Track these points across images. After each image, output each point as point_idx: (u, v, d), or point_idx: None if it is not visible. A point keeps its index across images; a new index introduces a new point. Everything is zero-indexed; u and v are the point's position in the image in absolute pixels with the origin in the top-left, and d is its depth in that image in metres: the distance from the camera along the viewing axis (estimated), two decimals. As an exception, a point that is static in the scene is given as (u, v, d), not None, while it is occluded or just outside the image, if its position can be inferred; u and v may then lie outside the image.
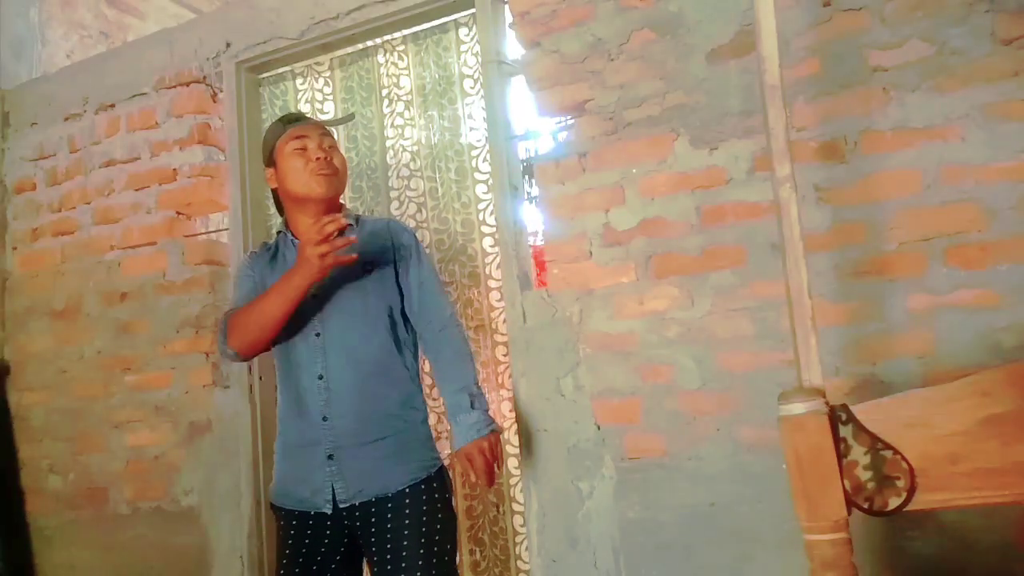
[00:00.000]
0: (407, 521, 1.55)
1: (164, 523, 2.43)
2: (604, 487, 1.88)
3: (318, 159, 1.65)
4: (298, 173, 1.65)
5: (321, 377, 1.60)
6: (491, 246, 2.15)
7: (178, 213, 2.52)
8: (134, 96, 2.63)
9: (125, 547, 2.49)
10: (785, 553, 1.64)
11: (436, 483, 1.62)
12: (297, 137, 1.67)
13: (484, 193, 2.16)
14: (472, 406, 1.64)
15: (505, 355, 2.10)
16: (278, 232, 1.77)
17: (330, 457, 1.57)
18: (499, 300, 2.13)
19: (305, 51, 2.39)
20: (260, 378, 2.38)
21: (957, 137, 1.60)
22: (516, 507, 2.12)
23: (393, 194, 2.28)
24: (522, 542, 2.11)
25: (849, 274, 1.67)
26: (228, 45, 2.48)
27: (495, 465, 1.64)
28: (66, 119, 2.77)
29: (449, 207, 2.21)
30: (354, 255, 1.53)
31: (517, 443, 2.08)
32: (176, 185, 2.53)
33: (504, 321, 2.10)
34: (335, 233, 1.46)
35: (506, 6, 2.09)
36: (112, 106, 2.67)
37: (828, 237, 1.69)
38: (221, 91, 2.51)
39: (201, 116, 2.52)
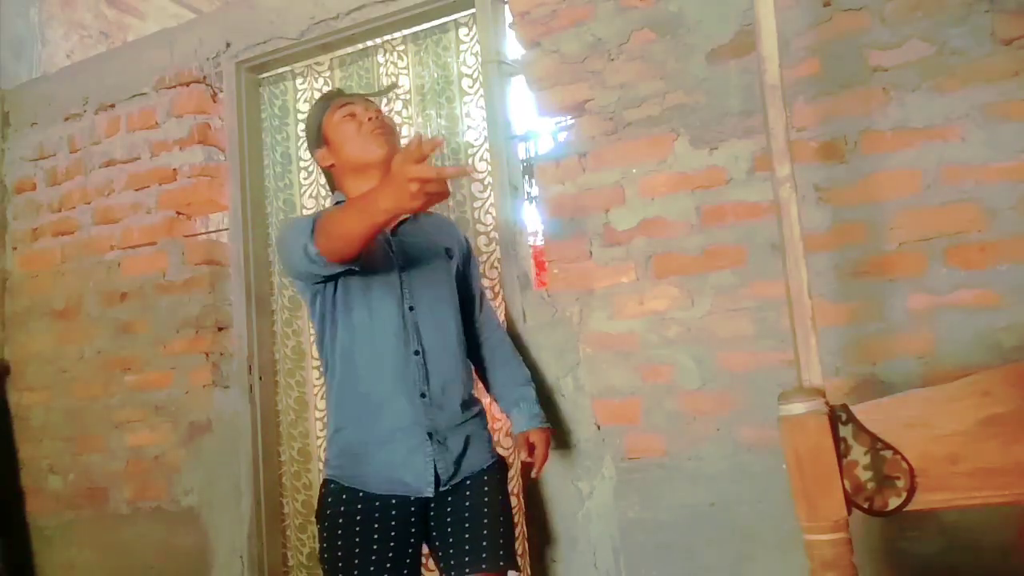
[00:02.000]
0: (486, 498, 1.56)
1: (164, 523, 2.44)
2: (604, 487, 1.88)
3: (370, 119, 1.62)
4: (354, 139, 1.60)
5: (417, 353, 1.55)
6: (486, 245, 2.15)
7: (178, 213, 2.52)
8: (134, 96, 2.63)
9: (125, 547, 2.49)
10: (785, 553, 1.64)
11: (502, 467, 1.67)
12: (343, 106, 1.64)
13: (479, 192, 2.16)
14: (536, 399, 1.75)
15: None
16: (338, 202, 1.64)
17: (430, 436, 1.52)
18: (493, 299, 2.13)
19: (305, 51, 2.39)
20: (260, 378, 2.38)
21: (957, 137, 1.60)
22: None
23: (393, 194, 2.28)
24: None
25: (849, 274, 1.67)
26: (228, 45, 2.48)
27: (547, 455, 1.72)
28: (66, 119, 2.77)
29: (445, 206, 2.21)
30: (448, 191, 1.27)
31: (508, 445, 2.08)
32: (176, 185, 2.53)
33: (501, 322, 2.09)
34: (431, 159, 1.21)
35: (506, 6, 2.09)
36: (112, 106, 2.67)
37: (828, 237, 1.69)
38: (221, 91, 2.51)
39: (201, 116, 2.52)
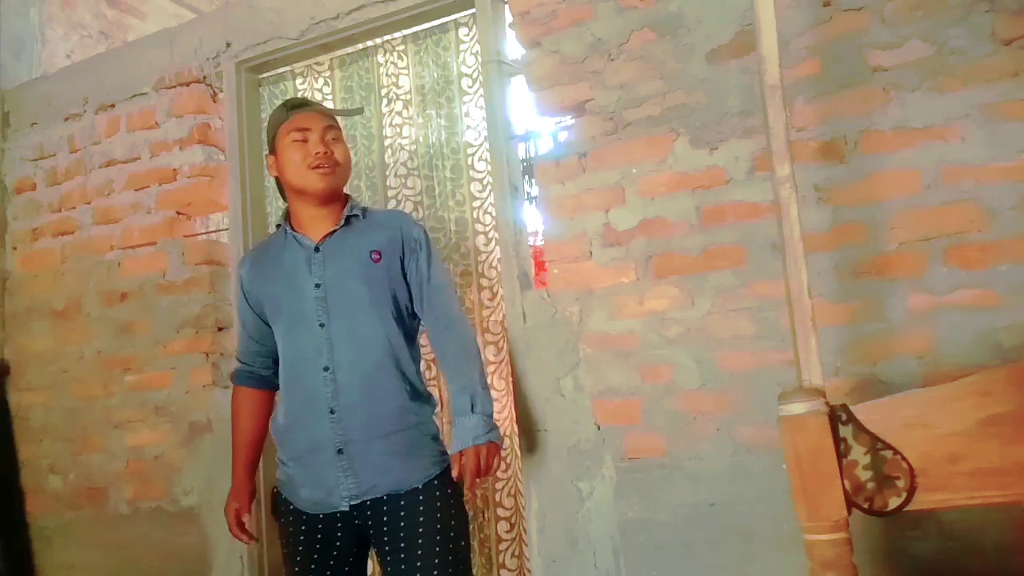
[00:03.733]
0: (422, 519, 1.51)
1: (164, 523, 2.43)
2: (604, 487, 1.88)
3: (318, 153, 1.60)
4: (296, 167, 1.61)
5: (327, 369, 1.55)
6: (484, 244, 2.15)
7: (178, 213, 2.52)
8: (134, 96, 2.63)
9: (125, 547, 2.49)
10: (785, 553, 1.64)
11: (448, 479, 1.58)
12: (299, 129, 1.63)
13: (479, 191, 2.16)
14: (472, 409, 1.59)
15: (496, 355, 2.10)
16: (278, 225, 1.73)
17: (340, 452, 1.53)
18: (491, 299, 2.13)
19: (305, 51, 2.39)
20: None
21: (957, 137, 1.60)
22: (501, 512, 2.11)
23: (391, 192, 2.28)
24: (507, 549, 2.11)
25: (849, 274, 1.67)
26: (228, 45, 2.48)
27: (485, 474, 1.58)
28: (66, 119, 2.77)
29: (445, 205, 2.21)
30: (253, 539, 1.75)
31: (505, 447, 2.09)
32: (176, 185, 2.53)
33: (496, 320, 2.10)
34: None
35: (506, 6, 2.09)
36: (112, 106, 2.67)
37: (828, 237, 1.69)
38: (221, 91, 2.51)
39: (201, 116, 2.52)
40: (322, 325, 1.57)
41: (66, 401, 2.65)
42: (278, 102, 2.47)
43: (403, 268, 1.66)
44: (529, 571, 2.03)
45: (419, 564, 1.48)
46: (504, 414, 2.08)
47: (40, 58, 3.23)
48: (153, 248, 2.55)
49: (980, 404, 0.97)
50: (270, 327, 1.69)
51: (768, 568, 1.69)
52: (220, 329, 2.43)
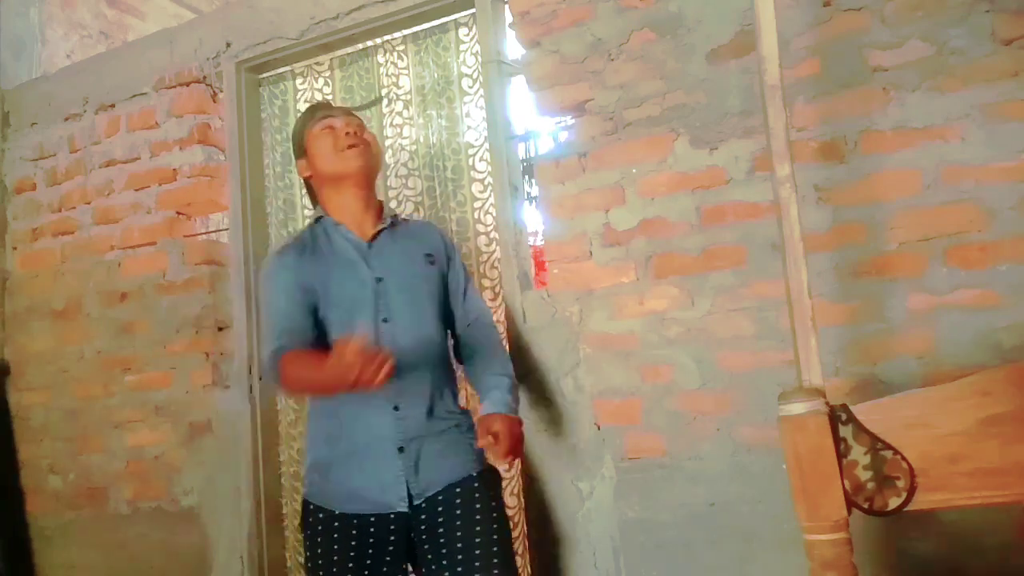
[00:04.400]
0: (480, 506, 1.51)
1: (164, 523, 2.43)
2: (604, 487, 1.88)
3: (348, 134, 1.64)
4: (329, 152, 1.63)
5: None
6: (485, 245, 2.15)
7: (178, 213, 2.52)
8: (134, 96, 2.63)
9: (125, 547, 2.49)
10: (785, 553, 1.64)
11: (494, 476, 1.60)
12: (323, 118, 1.67)
13: (480, 192, 2.16)
14: (509, 390, 1.59)
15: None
16: (316, 219, 1.68)
17: (400, 450, 1.51)
18: (492, 299, 2.13)
19: (305, 51, 2.39)
20: (260, 378, 2.37)
21: (957, 137, 1.60)
22: (505, 511, 2.11)
23: (391, 193, 2.28)
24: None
25: (849, 274, 1.67)
26: (228, 45, 2.48)
27: (517, 447, 1.51)
28: (66, 119, 2.77)
29: (446, 206, 2.21)
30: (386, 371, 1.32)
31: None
32: (176, 185, 2.53)
33: (497, 320, 2.09)
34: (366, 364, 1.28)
35: (506, 6, 2.09)
36: (112, 106, 2.67)
37: (828, 237, 1.69)
38: (221, 91, 2.51)
39: (201, 116, 2.52)
40: (385, 320, 1.56)
41: (66, 401, 2.65)
42: (278, 102, 2.48)
43: (444, 273, 1.71)
44: (530, 571, 2.03)
45: (478, 552, 1.46)
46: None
47: (40, 58, 3.23)
48: (153, 248, 2.55)
49: (980, 404, 0.97)
50: (312, 319, 1.58)
51: (768, 568, 1.69)
52: (220, 329, 2.43)
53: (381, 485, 1.51)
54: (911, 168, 1.64)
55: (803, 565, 1.01)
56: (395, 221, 1.71)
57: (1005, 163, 1.56)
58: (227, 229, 2.50)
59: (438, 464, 1.53)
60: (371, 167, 1.68)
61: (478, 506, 1.51)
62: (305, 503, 1.59)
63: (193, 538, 2.38)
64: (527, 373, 1.98)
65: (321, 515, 1.54)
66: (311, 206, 1.79)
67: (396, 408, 1.52)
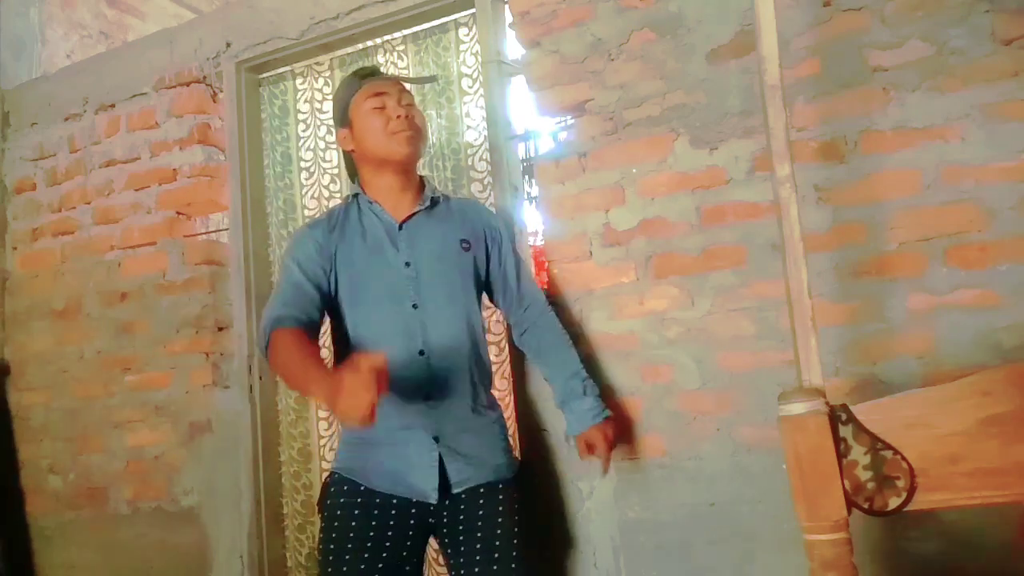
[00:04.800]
0: (501, 510, 1.49)
1: (164, 523, 2.43)
2: (604, 487, 1.88)
3: (399, 117, 1.55)
4: (378, 134, 1.55)
5: (422, 353, 1.48)
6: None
7: (178, 213, 2.52)
8: (134, 96, 2.63)
9: (125, 547, 2.49)
10: (785, 553, 1.64)
11: (519, 482, 1.60)
12: (376, 95, 1.57)
13: (480, 191, 2.16)
14: (585, 392, 1.64)
15: (497, 354, 2.09)
16: (353, 195, 1.63)
17: (436, 440, 1.48)
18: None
19: (305, 51, 2.39)
20: (260, 378, 2.37)
21: (957, 137, 1.60)
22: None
23: (393, 194, 2.28)
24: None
25: (849, 274, 1.67)
26: (228, 45, 2.48)
27: (611, 447, 1.65)
28: (66, 119, 2.77)
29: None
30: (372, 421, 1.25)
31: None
32: (176, 185, 2.53)
33: (497, 320, 2.09)
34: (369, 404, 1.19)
35: (506, 6, 2.09)
36: (112, 106, 2.67)
37: (828, 237, 1.69)
38: (221, 91, 2.51)
39: (201, 116, 2.52)
40: (415, 306, 1.51)
41: (66, 401, 2.65)
42: (278, 102, 2.47)
43: (484, 259, 1.64)
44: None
45: (497, 555, 1.45)
46: (507, 414, 2.07)
47: (40, 58, 3.23)
48: (153, 248, 2.55)
49: (980, 404, 0.97)
50: (322, 300, 1.53)
51: (768, 568, 1.69)
52: (220, 329, 2.43)
53: (417, 472, 1.48)
54: (911, 168, 1.64)
55: (803, 565, 1.01)
56: (435, 201, 1.63)
57: (1005, 163, 1.56)
58: (227, 229, 2.50)
59: (471, 459, 1.51)
60: (418, 154, 1.61)
61: (500, 520, 1.49)
62: (332, 474, 1.55)
63: (193, 538, 2.38)
64: (527, 373, 1.98)
65: (346, 487, 1.50)
66: (349, 179, 1.70)
67: (427, 398, 1.49)
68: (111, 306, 2.60)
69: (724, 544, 1.75)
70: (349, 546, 1.45)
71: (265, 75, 2.52)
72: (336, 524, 1.48)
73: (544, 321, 1.71)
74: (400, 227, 1.58)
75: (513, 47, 2.13)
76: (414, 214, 1.60)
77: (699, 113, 1.83)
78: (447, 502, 1.49)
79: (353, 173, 1.69)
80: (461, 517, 1.49)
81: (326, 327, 1.65)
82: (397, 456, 1.49)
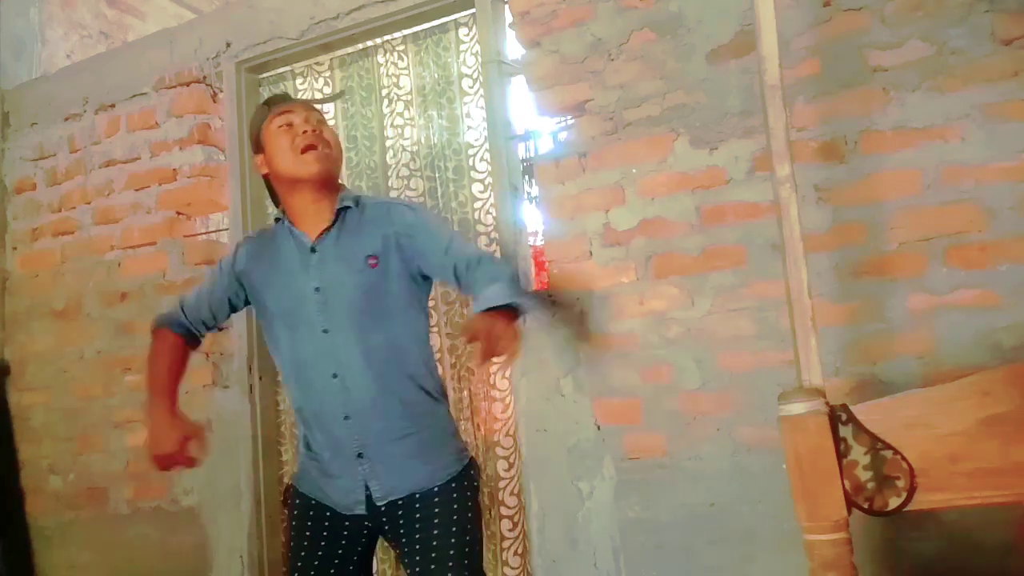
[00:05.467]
0: (438, 520, 1.49)
1: (164, 523, 2.43)
2: (604, 487, 1.88)
3: (305, 132, 1.54)
4: (286, 153, 1.54)
5: (335, 376, 1.52)
6: (486, 245, 2.15)
7: (178, 213, 2.52)
8: (134, 96, 2.63)
9: (125, 547, 2.49)
10: (785, 553, 1.64)
11: (466, 479, 1.56)
12: (282, 114, 1.57)
13: (480, 192, 2.16)
14: (501, 281, 1.42)
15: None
16: (276, 220, 1.66)
17: (360, 456, 1.51)
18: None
19: (305, 51, 2.39)
20: (260, 378, 2.38)
21: (957, 137, 1.60)
22: (504, 511, 2.11)
23: (393, 194, 2.28)
24: (509, 547, 2.11)
25: (849, 274, 1.67)
26: (228, 45, 2.48)
27: (501, 345, 1.30)
28: (66, 119, 2.77)
29: (448, 207, 2.21)
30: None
31: (508, 446, 2.09)
32: (176, 185, 2.53)
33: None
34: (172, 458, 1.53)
35: (506, 6, 2.09)
36: (112, 106, 2.67)
37: (828, 237, 1.69)
38: (221, 91, 2.51)
39: (201, 116, 2.52)
40: (325, 331, 1.53)
41: (66, 401, 2.65)
42: (278, 102, 2.47)
43: (403, 259, 1.58)
44: (531, 570, 2.03)
45: (435, 564, 1.47)
46: (507, 414, 2.08)
47: (40, 58, 3.23)
48: (153, 248, 2.55)
49: (980, 404, 0.97)
50: (229, 307, 1.71)
51: (768, 568, 1.69)
52: (220, 329, 2.43)
53: (342, 489, 1.53)
54: (911, 168, 1.64)
55: (803, 565, 1.01)
56: (346, 211, 1.59)
57: (1005, 163, 1.56)
58: (227, 229, 2.50)
59: (400, 469, 1.51)
60: (330, 171, 1.59)
61: (436, 520, 1.50)
62: (289, 486, 1.66)
63: (193, 538, 2.38)
64: (527, 373, 1.98)
65: (299, 500, 1.60)
66: (273, 203, 1.72)
67: (347, 417, 1.52)
68: (111, 306, 2.60)
69: (724, 544, 1.75)
70: (297, 556, 1.56)
71: (265, 75, 2.52)
72: (294, 526, 1.59)
73: (486, 261, 1.54)
74: (313, 249, 1.57)
75: (513, 47, 2.13)
76: (325, 232, 1.57)
77: (699, 113, 1.83)
78: (383, 510, 1.52)
79: (275, 198, 1.69)
80: (401, 523, 1.51)
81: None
82: (326, 471, 1.56)
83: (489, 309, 1.37)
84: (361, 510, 1.52)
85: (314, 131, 1.56)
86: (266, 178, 1.67)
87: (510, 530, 2.11)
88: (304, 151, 1.53)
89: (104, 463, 2.56)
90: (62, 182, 2.75)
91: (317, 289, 1.54)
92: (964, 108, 1.60)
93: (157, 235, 2.54)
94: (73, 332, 2.66)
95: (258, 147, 1.63)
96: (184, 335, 1.69)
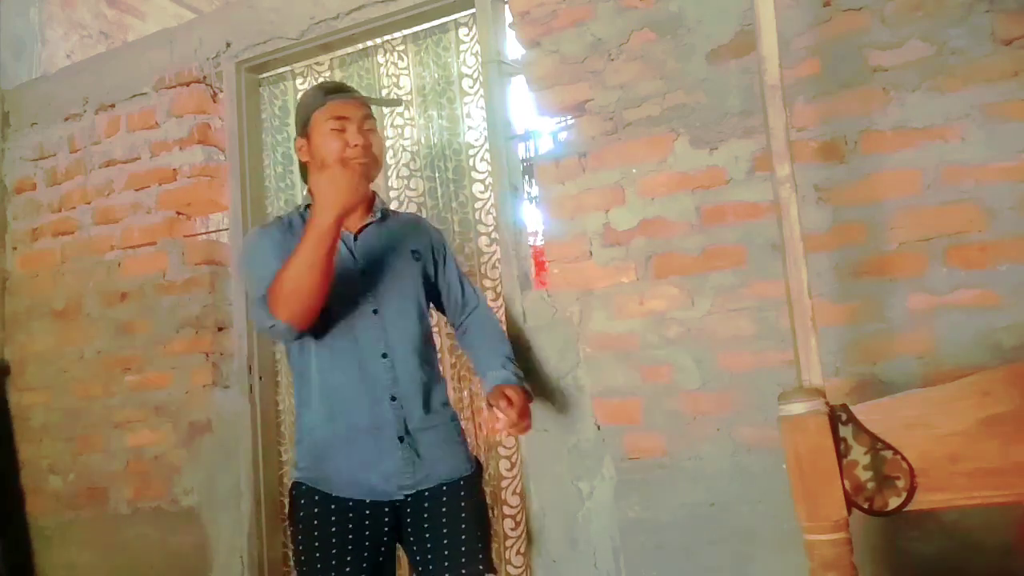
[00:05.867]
0: (464, 505, 1.52)
1: (164, 523, 2.43)
2: (604, 487, 1.88)
3: (356, 146, 1.54)
4: (333, 155, 1.54)
5: (385, 356, 1.53)
6: (487, 245, 2.15)
7: (178, 213, 2.52)
8: (134, 96, 2.64)
9: (125, 547, 2.49)
10: (785, 553, 1.64)
11: (479, 478, 1.62)
12: (337, 117, 1.56)
13: (481, 192, 2.16)
14: (504, 367, 1.62)
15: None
16: (306, 206, 1.61)
17: (401, 439, 1.51)
18: (494, 299, 2.13)
19: (305, 51, 2.39)
20: (260, 378, 2.38)
21: (957, 137, 1.60)
22: (507, 510, 2.12)
23: (393, 194, 2.28)
24: (512, 546, 2.11)
25: (849, 274, 1.67)
26: (228, 45, 2.49)
27: (528, 416, 1.56)
28: (66, 119, 2.77)
29: (448, 207, 2.21)
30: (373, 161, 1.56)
31: (510, 445, 2.09)
32: (176, 185, 2.53)
33: (499, 320, 2.10)
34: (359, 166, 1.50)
35: (506, 6, 2.09)
36: (112, 106, 2.67)
37: (828, 237, 1.69)
38: (221, 91, 2.51)
39: (201, 116, 2.52)
40: (375, 311, 1.55)
41: (66, 401, 2.65)
42: (278, 102, 2.47)
43: (432, 270, 1.69)
44: (531, 572, 2.03)
45: (464, 549, 1.49)
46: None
47: (40, 58, 3.23)
48: (153, 248, 2.55)
49: (980, 404, 0.97)
50: None
51: (768, 568, 1.69)
52: (220, 329, 2.43)
53: (383, 474, 1.50)
54: (911, 168, 1.64)
55: (803, 565, 1.01)
56: (384, 215, 1.66)
57: (1005, 163, 1.56)
58: (227, 229, 2.50)
59: (436, 457, 1.54)
60: (370, 180, 1.61)
61: (464, 515, 1.52)
62: (296, 485, 1.56)
63: (193, 538, 2.38)
64: (527, 373, 1.98)
65: (316, 497, 1.52)
66: (302, 181, 1.72)
67: (393, 398, 1.52)
68: (111, 306, 2.60)
69: (724, 544, 1.75)
70: (325, 554, 1.48)
71: (265, 75, 2.52)
72: (311, 533, 1.50)
73: (486, 318, 1.74)
74: (355, 237, 1.61)
75: (513, 47, 2.13)
76: (367, 225, 1.63)
77: (699, 113, 1.83)
78: (410, 500, 1.52)
79: (307, 179, 1.67)
80: (426, 515, 1.52)
81: None
82: (358, 458, 1.51)
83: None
84: (400, 495, 1.51)
85: (364, 144, 1.56)
86: (303, 164, 1.66)
87: (512, 529, 2.11)
88: (350, 161, 1.53)
89: (104, 463, 2.56)
90: (62, 182, 2.76)
91: (364, 272, 1.57)
92: (964, 108, 1.60)
93: (157, 235, 2.54)
94: (73, 332, 2.66)
95: (303, 131, 1.61)
96: None
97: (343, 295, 1.54)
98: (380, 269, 1.59)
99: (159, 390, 2.48)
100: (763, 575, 1.70)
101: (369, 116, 1.61)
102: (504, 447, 2.10)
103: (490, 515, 1.63)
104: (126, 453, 2.52)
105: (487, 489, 2.12)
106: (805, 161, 1.71)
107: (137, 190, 2.59)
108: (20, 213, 2.85)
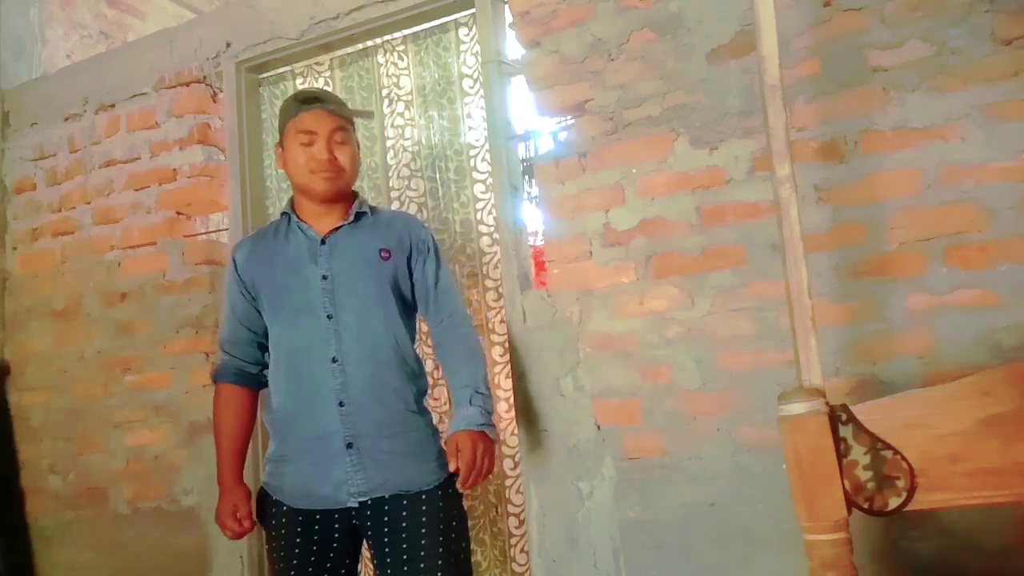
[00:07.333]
0: (424, 519, 1.49)
1: (164, 523, 2.43)
2: (604, 487, 1.88)
3: (321, 160, 1.57)
4: (300, 168, 1.58)
5: (335, 360, 1.52)
6: (488, 246, 2.15)
7: (178, 213, 2.52)
8: (134, 96, 2.63)
9: (125, 547, 2.49)
10: (785, 553, 1.64)
11: (451, 488, 1.55)
12: (305, 131, 1.58)
13: (482, 192, 2.16)
14: (470, 402, 1.56)
15: (502, 355, 2.10)
16: (284, 213, 1.67)
17: (349, 446, 1.50)
18: (496, 300, 2.13)
19: (305, 51, 2.39)
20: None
21: (957, 137, 1.60)
22: (511, 508, 2.12)
23: (393, 194, 2.28)
24: (516, 544, 2.11)
25: (849, 274, 1.67)
26: (228, 45, 2.49)
27: (481, 467, 1.50)
28: (66, 119, 2.77)
29: (449, 207, 2.21)
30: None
31: (513, 444, 2.09)
32: (176, 185, 2.53)
33: (501, 321, 2.10)
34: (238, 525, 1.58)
35: (506, 6, 2.09)
36: (112, 106, 2.67)
37: (828, 237, 1.69)
38: (221, 91, 2.51)
39: (201, 116, 2.52)
40: (330, 316, 1.54)
41: (66, 401, 2.65)
42: (278, 102, 2.47)
43: (409, 269, 1.65)
44: (531, 572, 2.03)
45: (422, 566, 1.46)
46: (511, 414, 2.08)
47: (40, 58, 3.23)
48: (153, 248, 2.55)
49: (980, 404, 0.97)
50: (257, 317, 1.64)
51: (768, 568, 1.69)
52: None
53: (331, 481, 1.51)
54: (911, 168, 1.64)
55: (803, 565, 1.01)
56: (361, 215, 1.65)
57: (1005, 163, 1.56)
58: (227, 229, 2.50)
59: (390, 464, 1.51)
60: (340, 190, 1.62)
61: (424, 520, 1.49)
62: (262, 489, 1.62)
63: (193, 538, 2.38)
64: (527, 373, 1.98)
65: (274, 509, 1.58)
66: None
67: (341, 404, 1.51)
68: (111, 306, 2.60)
69: (724, 544, 1.75)
70: (286, 564, 1.53)
71: (265, 75, 2.52)
72: (272, 542, 1.58)
73: (456, 334, 1.66)
74: (323, 241, 1.61)
75: (513, 47, 2.13)
76: (337, 228, 1.62)
77: (699, 113, 1.83)
78: (369, 505, 1.51)
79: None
80: (385, 521, 1.50)
81: None
82: (309, 468, 1.53)
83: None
84: (353, 503, 1.50)
85: (329, 160, 1.58)
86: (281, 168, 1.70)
87: (516, 528, 2.11)
88: (316, 172, 1.58)
89: (104, 463, 2.56)
90: (62, 182, 2.75)
91: (324, 277, 1.57)
92: (964, 108, 1.60)
93: (157, 235, 2.54)
94: (73, 332, 2.66)
95: (280, 141, 1.66)
96: (241, 381, 1.66)
97: (300, 302, 1.57)
98: (340, 273, 1.58)
99: (159, 390, 2.48)
100: (763, 575, 1.70)
101: (341, 128, 1.61)
102: (507, 446, 2.11)
103: (466, 529, 1.57)
104: (126, 453, 2.52)
105: (491, 488, 2.13)
106: (805, 161, 1.71)
107: (137, 190, 2.59)
108: (20, 213, 2.85)
